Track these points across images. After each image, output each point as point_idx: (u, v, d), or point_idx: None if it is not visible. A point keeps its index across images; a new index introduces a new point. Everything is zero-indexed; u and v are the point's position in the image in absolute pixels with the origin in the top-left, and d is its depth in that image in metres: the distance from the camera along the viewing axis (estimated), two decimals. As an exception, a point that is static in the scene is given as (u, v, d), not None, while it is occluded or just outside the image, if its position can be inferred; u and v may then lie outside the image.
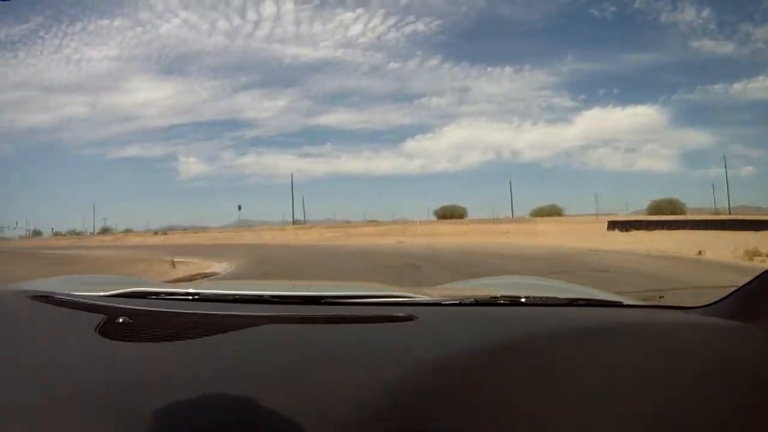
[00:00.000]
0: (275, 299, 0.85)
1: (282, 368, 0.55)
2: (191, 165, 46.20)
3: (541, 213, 33.66)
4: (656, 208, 30.03)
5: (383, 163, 45.28)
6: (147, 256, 13.31)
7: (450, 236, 20.29)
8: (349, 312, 0.79)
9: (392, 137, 47.78)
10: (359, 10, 39.57)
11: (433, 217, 31.28)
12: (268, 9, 42.40)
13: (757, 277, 0.75)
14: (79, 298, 0.85)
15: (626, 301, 0.93)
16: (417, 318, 0.71)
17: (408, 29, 37.37)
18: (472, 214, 32.89)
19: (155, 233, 36.06)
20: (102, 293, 0.90)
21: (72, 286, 1.04)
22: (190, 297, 0.87)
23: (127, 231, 39.70)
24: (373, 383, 0.50)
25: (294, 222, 33.18)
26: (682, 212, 28.00)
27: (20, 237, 47.52)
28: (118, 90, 49.21)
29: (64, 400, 0.48)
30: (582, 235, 16.75)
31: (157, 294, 0.89)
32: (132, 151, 53.07)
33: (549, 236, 17.81)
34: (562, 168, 40.49)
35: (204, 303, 0.84)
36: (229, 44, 42.11)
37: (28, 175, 51.83)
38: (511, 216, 30.86)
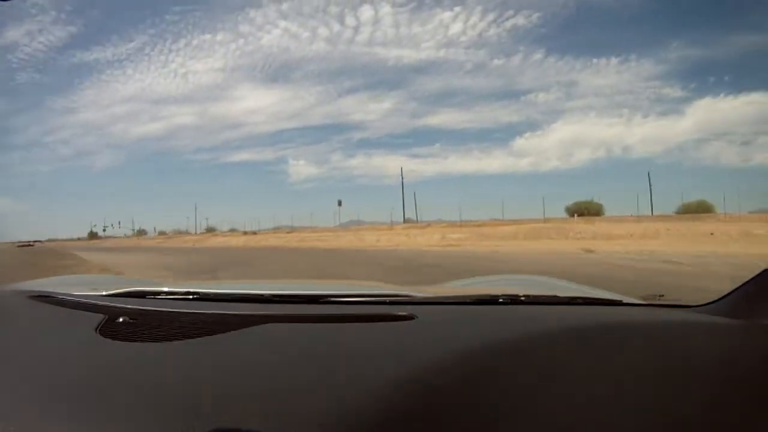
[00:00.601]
0: (275, 298, 0.87)
1: (282, 367, 0.56)
2: (300, 168, 47.68)
3: (688, 209, 26.44)
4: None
5: (493, 162, 43.56)
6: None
7: (646, 240, 14.40)
8: (349, 311, 0.80)
9: (501, 136, 46.17)
10: (457, 9, 39.11)
11: (564, 214, 27.19)
12: (366, 14, 43.52)
13: (757, 276, 0.75)
14: (79, 298, 0.87)
15: (626, 299, 0.94)
16: (417, 317, 0.72)
17: (508, 24, 36.18)
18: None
19: (244, 233, 34.95)
20: (102, 293, 0.92)
21: (72, 285, 1.07)
22: (190, 296, 0.88)
23: (210, 230, 39.90)
24: (373, 382, 0.51)
25: (405, 221, 29.47)
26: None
27: (125, 235, 49.74)
28: (225, 99, 51.65)
29: (65, 400, 0.48)
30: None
31: (157, 294, 0.90)
32: (242, 156, 57.21)
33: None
34: (674, 164, 36.16)
35: (204, 302, 0.85)
36: (331, 50, 42.96)
37: (138, 179, 58.48)
38: (650, 213, 25.28)
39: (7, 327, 0.76)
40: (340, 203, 33.07)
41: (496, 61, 39.21)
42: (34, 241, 49.65)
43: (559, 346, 0.63)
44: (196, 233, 40.80)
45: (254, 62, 48.27)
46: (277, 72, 49.17)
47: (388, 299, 0.85)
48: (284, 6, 46.50)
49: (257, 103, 54.39)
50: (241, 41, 46.55)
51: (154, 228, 50.26)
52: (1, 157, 54.69)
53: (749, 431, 0.54)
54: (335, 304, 0.85)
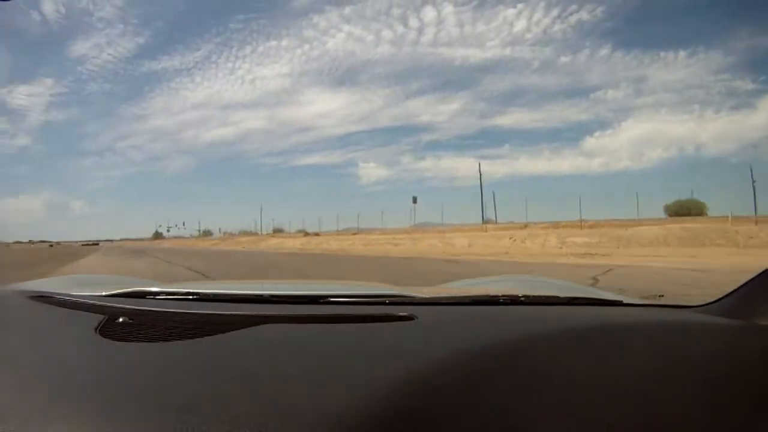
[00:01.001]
0: (275, 299, 0.88)
1: (282, 367, 0.56)
2: (370, 170, 48.79)
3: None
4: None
5: (564, 162, 41.66)
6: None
7: None
8: (348, 311, 0.81)
9: (571, 135, 44.34)
10: (520, 6, 38.75)
11: (663, 214, 23.83)
12: (429, 14, 43.52)
13: (757, 276, 0.75)
14: (79, 298, 0.87)
15: (626, 299, 0.95)
16: (417, 317, 0.72)
17: (572, 19, 36.00)
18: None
19: (305, 234, 33.71)
20: (102, 293, 0.93)
21: (71, 286, 1.07)
22: (190, 297, 0.88)
23: (277, 231, 39.99)
24: (373, 382, 0.51)
25: (484, 222, 26.81)
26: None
27: (190, 236, 50.92)
28: (294, 103, 53.84)
29: (64, 400, 0.49)
30: None
31: (156, 294, 0.91)
32: (312, 159, 59.51)
33: None
34: (747, 163, 32.49)
35: (204, 303, 0.85)
36: (397, 52, 43.93)
37: (208, 182, 62.05)
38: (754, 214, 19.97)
39: (7, 327, 0.77)
40: (415, 200, 30.51)
41: (563, 58, 38.15)
42: (97, 241, 52.47)
43: (559, 347, 0.64)
44: (261, 234, 40.99)
45: (321, 66, 49.84)
46: (344, 75, 51.70)
47: (387, 300, 0.87)
48: (347, 10, 47.30)
49: (325, 107, 56.77)
50: (306, 46, 49.01)
51: (219, 229, 51.81)
52: (76, 162, 58.95)
53: (749, 431, 0.54)
54: (335, 304, 0.85)
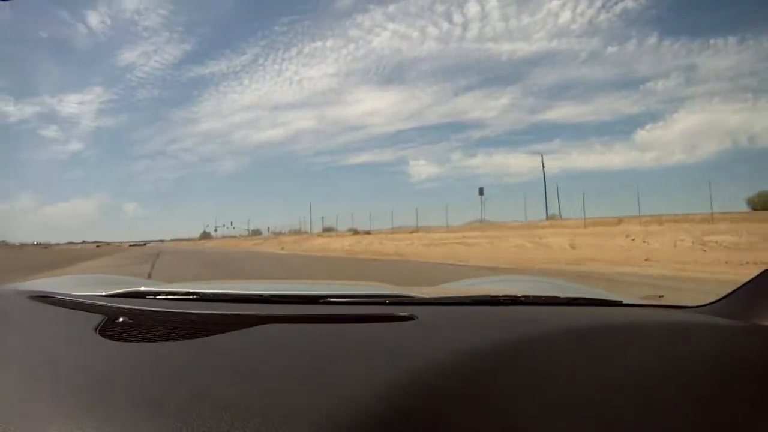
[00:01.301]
0: (275, 299, 0.89)
1: (282, 368, 0.57)
2: (421, 168, 48.70)
3: None
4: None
5: (616, 157, 40.13)
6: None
7: None
8: (348, 311, 0.82)
9: (622, 128, 44.64)
10: None
11: (745, 208, 20.33)
12: (473, 9, 43.12)
13: (757, 276, 0.77)
14: (79, 298, 0.88)
15: (626, 300, 0.97)
16: (417, 317, 0.73)
17: (617, 8, 36.00)
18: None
19: (354, 233, 32.21)
20: (101, 293, 0.94)
21: (71, 285, 1.09)
22: (190, 297, 0.90)
23: (326, 230, 39.86)
24: (373, 382, 0.52)
25: (548, 218, 24.83)
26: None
27: (239, 235, 51.61)
28: (342, 103, 54.79)
29: (64, 400, 0.50)
30: None
31: (156, 294, 0.92)
32: (362, 158, 60.45)
33: None
34: None
35: (204, 303, 0.87)
36: (443, 48, 44.36)
37: (259, 182, 63.62)
38: None
39: (7, 327, 0.78)
40: (481, 191, 28.13)
41: (610, 49, 37.75)
42: (145, 241, 54.20)
43: (559, 347, 0.65)
44: (310, 233, 41.29)
45: (367, 65, 50.68)
46: (391, 73, 50.72)
47: (387, 300, 0.88)
48: (390, 8, 48.76)
49: (374, 105, 57.72)
50: (352, 46, 50.07)
51: (268, 228, 53.75)
52: (127, 166, 61.98)
53: (749, 431, 0.55)
54: (335, 304, 0.86)
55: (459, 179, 48.38)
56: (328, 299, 0.87)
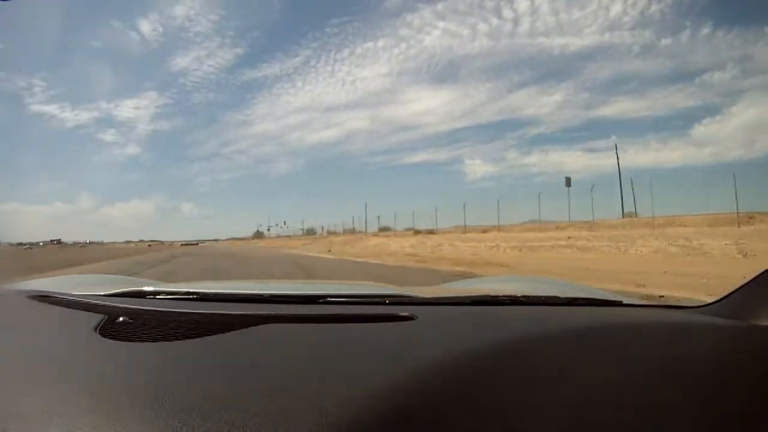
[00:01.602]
0: (275, 299, 0.91)
1: (282, 367, 0.58)
2: (477, 167, 48.68)
3: None
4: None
5: (672, 153, 39.61)
6: None
7: None
8: (349, 311, 0.83)
9: (678, 123, 42.46)
10: None
11: None
12: (522, 4, 44.10)
13: (756, 277, 0.77)
14: (79, 298, 0.89)
15: (626, 300, 0.98)
16: (417, 317, 0.74)
17: None
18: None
19: (415, 233, 29.46)
20: (101, 293, 0.96)
21: (71, 285, 1.12)
22: (190, 296, 0.92)
23: (383, 230, 38.34)
24: (374, 382, 0.53)
25: (624, 216, 21.45)
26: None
27: (293, 234, 52.59)
28: (395, 102, 55.38)
29: (64, 400, 0.51)
30: None
31: (156, 293, 0.94)
32: (417, 157, 60.09)
33: None
34: None
35: (204, 303, 0.89)
36: (494, 45, 43.63)
37: (314, 182, 64.96)
38: None
39: (7, 327, 0.78)
40: (568, 182, 24.39)
41: (663, 41, 37.67)
42: (197, 241, 55.24)
43: (559, 347, 0.65)
44: (365, 232, 40.15)
45: (419, 64, 50.50)
46: (444, 72, 51.14)
47: (388, 300, 0.90)
48: (439, 6, 48.66)
49: (428, 105, 57.88)
50: (403, 45, 50.40)
51: (322, 227, 54.44)
52: (184, 168, 64.99)
53: (749, 431, 0.56)
54: (335, 304, 0.88)
55: (516, 178, 48.91)
56: (329, 299, 0.90)
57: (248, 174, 66.28)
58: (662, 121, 45.85)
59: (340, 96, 54.69)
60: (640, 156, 43.26)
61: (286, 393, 0.50)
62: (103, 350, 0.64)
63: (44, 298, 0.90)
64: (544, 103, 48.39)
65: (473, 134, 60.67)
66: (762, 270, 0.75)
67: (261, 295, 0.89)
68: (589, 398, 0.54)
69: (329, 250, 23.23)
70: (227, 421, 0.45)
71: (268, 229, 64.60)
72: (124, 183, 66.19)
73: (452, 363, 0.58)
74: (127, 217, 69.16)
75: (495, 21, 44.92)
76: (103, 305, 0.81)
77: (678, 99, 44.37)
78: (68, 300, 0.87)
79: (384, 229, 39.22)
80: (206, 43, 56.23)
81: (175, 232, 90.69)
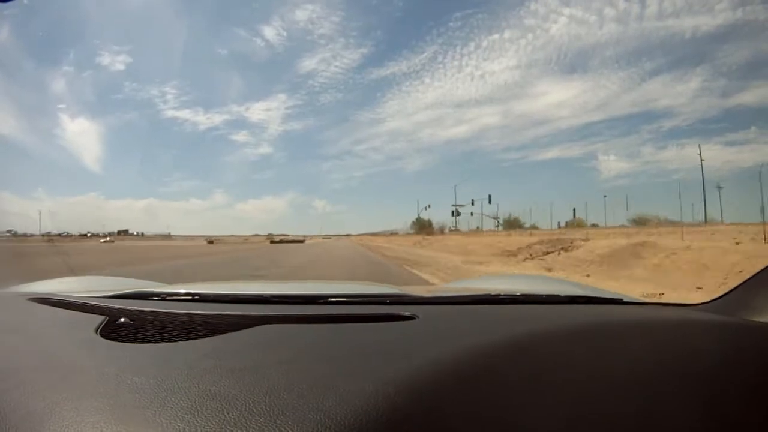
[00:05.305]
0: (275, 299, 0.92)
1: (283, 367, 0.59)
2: (611, 163, 47.02)
3: None
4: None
5: None
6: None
7: None
8: (350, 311, 0.84)
9: None
10: None
11: None
12: None
13: (757, 274, 0.78)
14: (80, 300, 0.91)
15: (627, 298, 0.99)
16: (418, 317, 0.75)
17: None
18: None
19: (530, 233, 26.80)
20: (102, 294, 0.96)
21: (72, 287, 1.17)
22: (191, 297, 0.94)
23: (478, 229, 37.80)
24: (375, 382, 0.54)
25: None
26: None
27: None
28: (527, 96, 52.57)
29: (66, 401, 0.52)
30: None
31: (157, 295, 0.96)
32: (551, 153, 57.91)
33: None
34: None
35: (204, 303, 0.90)
36: (624, 30, 42.01)
37: (447, 179, 67.11)
38: None
39: (8, 329, 0.79)
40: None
41: None
42: (304, 237, 58.20)
43: (560, 345, 0.66)
44: (498, 230, 38.83)
45: (548, 55, 47.80)
46: (574, 62, 48.50)
47: (389, 299, 0.91)
48: None
49: (559, 97, 55.32)
50: (530, 35, 47.45)
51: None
52: (316, 166, 70.29)
53: (749, 430, 0.56)
54: (336, 304, 0.89)
55: (651, 175, 45.46)
56: (330, 299, 0.91)
57: (381, 171, 68.24)
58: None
59: (470, 91, 53.57)
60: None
61: (288, 393, 0.50)
62: (104, 352, 0.64)
63: (45, 300, 0.92)
64: (678, 92, 45.07)
65: (607, 128, 56.52)
66: (762, 268, 0.76)
67: (262, 296, 0.92)
68: (589, 396, 0.54)
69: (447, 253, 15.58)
70: (230, 421, 0.45)
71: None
72: (257, 180, 71.27)
73: (453, 362, 0.58)
74: (260, 212, 75.08)
75: (622, 4, 43.37)
76: (104, 307, 0.81)
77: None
78: (69, 302, 0.88)
79: (512, 225, 37.74)
80: (331, 44, 57.50)
81: (309, 227, 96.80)
